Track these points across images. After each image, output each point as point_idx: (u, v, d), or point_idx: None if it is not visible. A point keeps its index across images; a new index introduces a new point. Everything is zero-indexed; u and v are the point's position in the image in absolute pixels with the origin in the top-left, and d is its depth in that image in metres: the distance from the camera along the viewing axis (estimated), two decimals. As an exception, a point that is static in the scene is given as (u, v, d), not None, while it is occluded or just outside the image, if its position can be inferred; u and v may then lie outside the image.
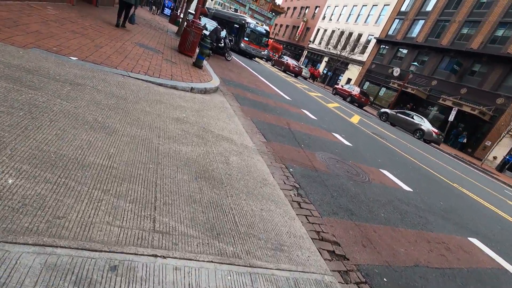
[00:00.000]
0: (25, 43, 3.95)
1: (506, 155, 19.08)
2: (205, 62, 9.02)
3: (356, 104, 22.86)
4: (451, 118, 19.57)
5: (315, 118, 8.70)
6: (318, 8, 44.11)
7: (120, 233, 1.69)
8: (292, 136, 5.65)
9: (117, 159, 2.36)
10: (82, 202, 1.78)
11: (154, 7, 26.08)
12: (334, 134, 7.53)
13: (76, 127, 2.52)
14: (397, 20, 30.59)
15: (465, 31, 23.88)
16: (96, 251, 1.51)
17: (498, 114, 20.00)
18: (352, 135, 8.59)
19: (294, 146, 5.09)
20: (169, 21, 22.58)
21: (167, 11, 29.46)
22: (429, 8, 27.53)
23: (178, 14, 22.83)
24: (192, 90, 5.59)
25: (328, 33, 39.75)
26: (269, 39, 26.16)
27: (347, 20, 37.41)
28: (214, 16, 26.02)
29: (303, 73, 28.47)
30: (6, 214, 1.48)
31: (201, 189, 2.50)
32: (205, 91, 5.94)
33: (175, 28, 17.78)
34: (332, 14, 40.54)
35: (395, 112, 18.99)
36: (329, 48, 35.97)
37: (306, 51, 43.56)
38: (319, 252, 2.44)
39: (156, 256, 1.64)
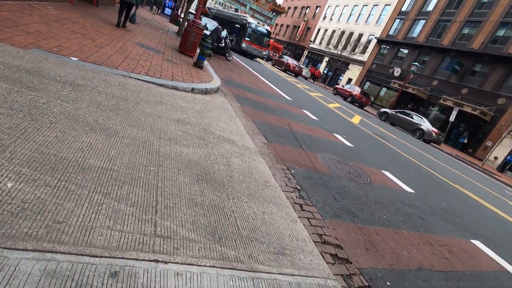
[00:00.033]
0: (26, 44, 3.92)
1: (507, 156, 19.04)
2: (206, 62, 8.99)
3: (357, 104, 22.81)
4: (452, 118, 19.55)
5: (316, 118, 8.67)
6: (318, 8, 44.05)
7: (121, 238, 1.67)
8: (293, 137, 5.63)
9: (117, 161, 2.33)
10: (82, 206, 1.76)
11: (154, 6, 26.01)
12: (335, 134, 7.50)
13: (76, 129, 2.50)
14: (398, 20, 30.53)
15: (466, 31, 23.82)
16: (96, 256, 1.48)
17: (499, 115, 19.95)
18: (353, 136, 8.56)
19: (295, 147, 5.06)
20: (169, 21, 22.51)
21: (167, 10, 29.38)
22: (430, 8, 27.46)
23: (179, 14, 22.79)
24: (193, 90, 5.56)
25: (329, 33, 39.69)
26: (270, 39, 26.10)
27: (347, 20, 37.35)
28: (215, 16, 25.95)
29: (303, 73, 28.44)
30: (5, 219, 1.45)
31: (202, 191, 2.47)
32: (206, 92, 5.91)
33: (175, 28, 17.72)
34: (333, 14, 40.47)
35: (395, 111, 18.96)
36: (330, 48, 35.89)
37: (307, 51, 43.50)
38: (322, 256, 2.41)
39: (157, 261, 1.62)
